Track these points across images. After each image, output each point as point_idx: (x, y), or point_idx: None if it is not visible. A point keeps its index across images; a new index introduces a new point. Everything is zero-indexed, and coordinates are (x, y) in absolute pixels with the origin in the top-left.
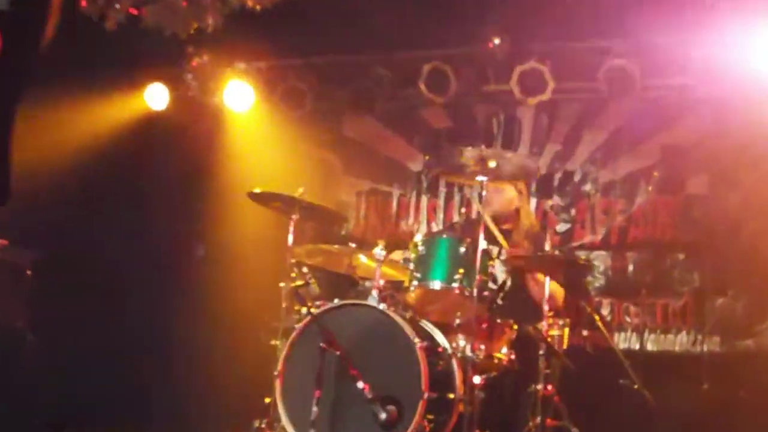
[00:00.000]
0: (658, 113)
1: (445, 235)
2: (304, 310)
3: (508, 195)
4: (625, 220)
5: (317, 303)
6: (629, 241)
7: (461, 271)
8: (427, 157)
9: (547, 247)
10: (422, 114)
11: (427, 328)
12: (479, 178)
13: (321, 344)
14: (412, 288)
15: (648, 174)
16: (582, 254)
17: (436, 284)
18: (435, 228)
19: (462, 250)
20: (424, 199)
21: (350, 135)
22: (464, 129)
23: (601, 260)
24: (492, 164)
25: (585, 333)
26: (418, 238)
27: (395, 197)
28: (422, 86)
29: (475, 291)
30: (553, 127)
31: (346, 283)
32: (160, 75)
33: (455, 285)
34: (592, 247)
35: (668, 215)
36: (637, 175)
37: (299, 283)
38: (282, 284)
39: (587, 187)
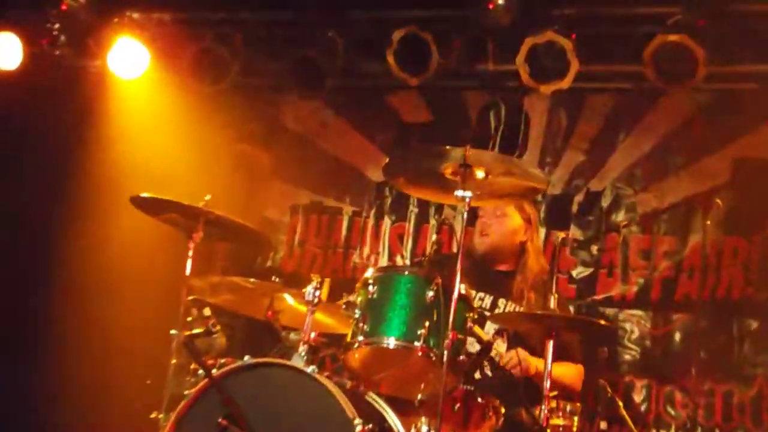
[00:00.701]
0: (729, 112)
1: (406, 272)
2: (200, 370)
3: (511, 223)
4: (674, 267)
5: (221, 361)
6: (678, 298)
7: (427, 324)
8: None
9: (553, 301)
10: (390, 100)
11: (375, 404)
12: (459, 193)
13: (220, 420)
14: (356, 345)
15: (709, 201)
16: (607, 312)
17: (391, 341)
18: (401, 263)
19: (430, 294)
20: (387, 222)
21: (288, 124)
22: (448, 124)
23: (634, 323)
24: (480, 174)
25: (603, 426)
26: (370, 273)
27: (346, 217)
28: (391, 60)
29: (445, 354)
30: (575, 127)
31: (266, 334)
32: (13, 22)
33: (417, 344)
34: (622, 303)
35: (738, 263)
36: (693, 203)
37: (197, 330)
38: (173, 332)
39: (619, 216)
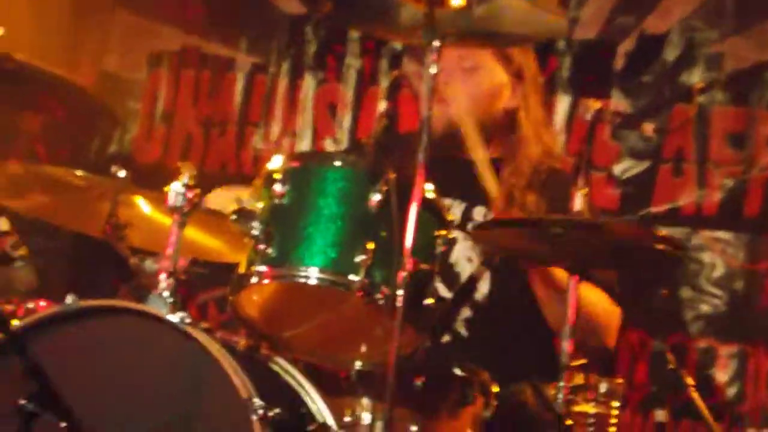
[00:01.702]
0: None
1: (337, 162)
2: None
3: (488, 81)
4: None
5: (27, 305)
6: None
7: (370, 246)
8: None
9: (580, 200)
10: None
11: (285, 376)
12: (425, 36)
13: (22, 402)
14: (254, 279)
15: None
16: (671, 233)
17: (311, 274)
18: (333, 148)
19: (375, 198)
20: (310, 82)
21: None
22: None
23: (717, 252)
24: (456, 2)
25: (662, 418)
26: (278, 164)
27: (241, 73)
28: None
29: (400, 294)
30: None
31: (105, 262)
32: None
33: (355, 278)
34: (697, 219)
35: None
36: None
37: None
38: None
39: (694, 75)
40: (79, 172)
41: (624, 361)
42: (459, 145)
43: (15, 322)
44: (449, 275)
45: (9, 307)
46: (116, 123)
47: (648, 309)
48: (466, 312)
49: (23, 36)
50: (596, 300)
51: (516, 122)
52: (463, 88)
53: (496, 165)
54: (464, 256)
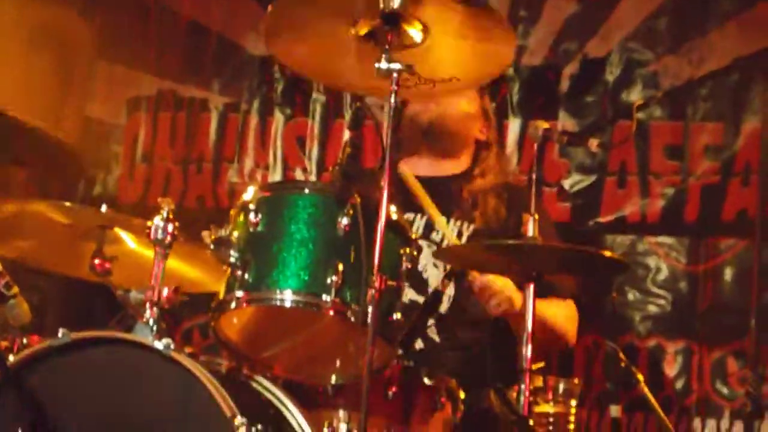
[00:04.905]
0: None
1: (306, 190)
2: None
3: (466, 105)
4: (720, 168)
5: (22, 341)
6: (728, 217)
7: (340, 267)
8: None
9: (532, 225)
10: None
11: (266, 393)
12: (382, 65)
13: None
14: (233, 305)
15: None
16: (618, 241)
17: (286, 296)
18: (300, 178)
19: (343, 222)
20: (279, 118)
21: None
22: None
23: (662, 257)
24: (414, 33)
25: (616, 413)
26: (251, 194)
27: (215, 112)
28: None
29: (370, 311)
30: None
31: (95, 296)
32: None
33: (327, 298)
34: (642, 227)
35: None
36: (748, 68)
37: None
38: None
39: (633, 93)
40: (67, 204)
41: (580, 363)
42: (441, 136)
43: (10, 358)
44: (418, 281)
45: (4, 344)
46: (99, 166)
47: (600, 314)
48: (432, 320)
49: (9, 94)
50: (556, 312)
51: (485, 147)
52: (446, 101)
53: (461, 180)
54: (431, 263)
